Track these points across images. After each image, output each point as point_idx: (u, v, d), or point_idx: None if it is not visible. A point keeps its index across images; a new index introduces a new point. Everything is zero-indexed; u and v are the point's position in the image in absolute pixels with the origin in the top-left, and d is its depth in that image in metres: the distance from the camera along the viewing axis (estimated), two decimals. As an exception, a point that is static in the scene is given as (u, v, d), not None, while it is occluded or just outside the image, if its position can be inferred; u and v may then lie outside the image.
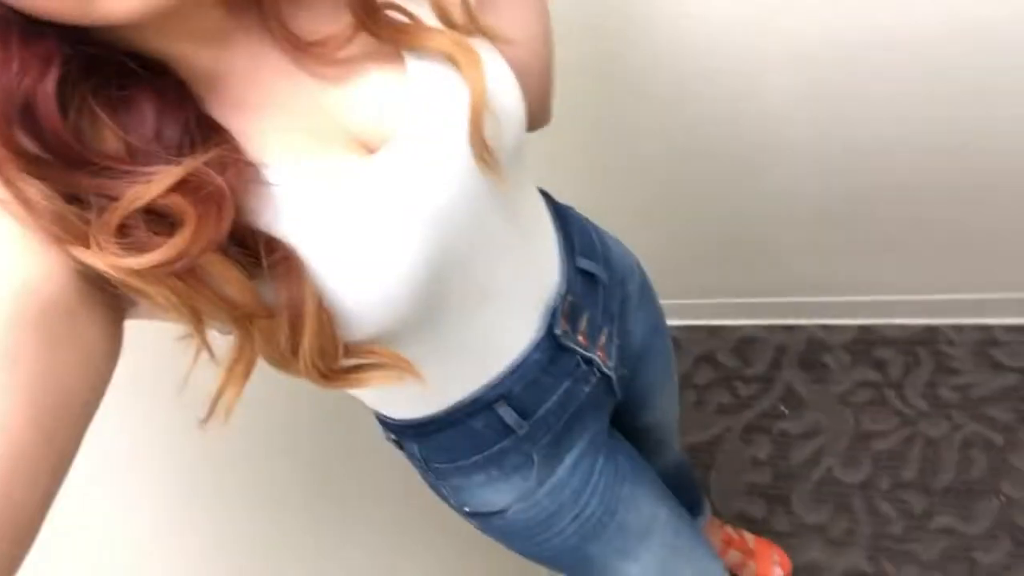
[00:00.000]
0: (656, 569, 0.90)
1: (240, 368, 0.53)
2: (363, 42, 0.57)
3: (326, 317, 0.53)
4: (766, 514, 1.70)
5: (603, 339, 0.82)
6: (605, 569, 0.88)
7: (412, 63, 0.58)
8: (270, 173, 0.51)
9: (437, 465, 0.79)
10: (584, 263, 0.80)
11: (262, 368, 0.56)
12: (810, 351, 1.87)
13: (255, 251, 0.49)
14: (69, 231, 0.44)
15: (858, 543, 1.61)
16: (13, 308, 0.42)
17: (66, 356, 0.45)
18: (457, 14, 0.60)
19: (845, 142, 1.39)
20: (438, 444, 0.76)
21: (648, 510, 0.89)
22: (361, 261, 0.53)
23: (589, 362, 0.80)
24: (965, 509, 1.56)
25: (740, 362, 1.93)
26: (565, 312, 0.76)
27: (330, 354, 0.54)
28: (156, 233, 0.45)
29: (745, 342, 1.95)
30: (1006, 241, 1.52)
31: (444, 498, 0.84)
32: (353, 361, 0.57)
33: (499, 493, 0.79)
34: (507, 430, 0.75)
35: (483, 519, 0.83)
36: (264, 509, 1.01)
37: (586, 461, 0.83)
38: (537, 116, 0.75)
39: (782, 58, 1.26)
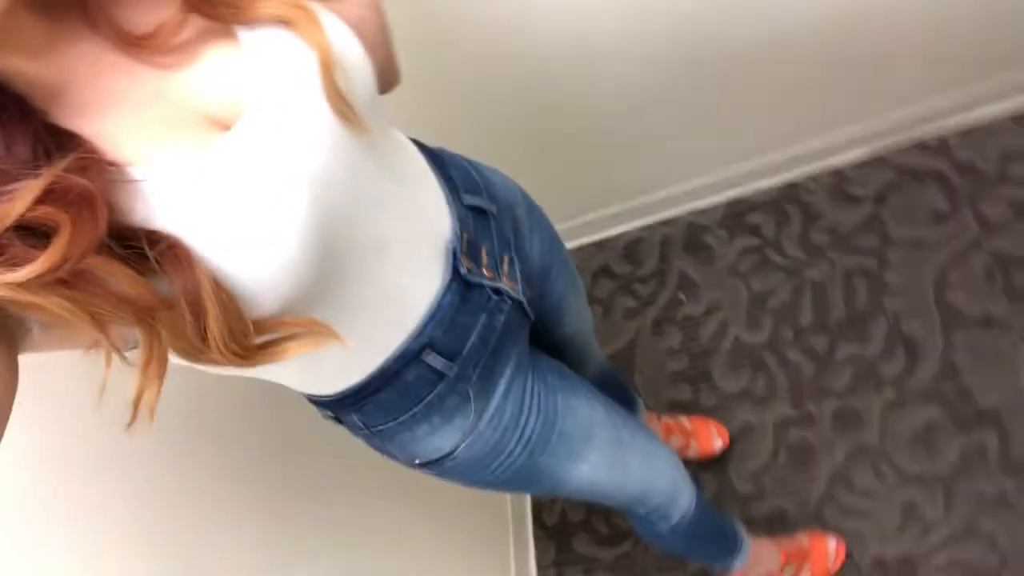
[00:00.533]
0: (605, 463, 0.96)
1: (153, 368, 0.53)
2: (195, 25, 0.57)
3: (227, 298, 0.53)
4: (693, 395, 1.80)
5: (506, 267, 0.85)
6: (558, 475, 0.92)
7: (244, 35, 0.58)
8: (133, 170, 0.51)
9: (380, 428, 0.80)
10: (470, 199, 0.82)
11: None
12: (690, 236, 1.97)
13: (139, 247, 0.49)
14: None
15: (780, 395, 1.72)
16: None
17: None
18: None
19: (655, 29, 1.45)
20: (376, 407, 0.77)
21: (585, 413, 0.94)
22: (246, 235, 0.54)
23: (499, 292, 0.82)
24: (861, 334, 1.70)
25: (632, 265, 2.01)
26: (464, 250, 0.77)
27: (239, 333, 0.54)
28: (33, 247, 0.45)
29: (631, 246, 2.03)
30: (830, 83, 1.63)
31: (393, 457, 0.86)
32: (267, 336, 0.57)
33: (444, 438, 0.81)
34: (438, 376, 0.77)
35: (435, 466, 0.85)
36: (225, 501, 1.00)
37: (516, 384, 0.86)
38: (386, 75, 0.76)
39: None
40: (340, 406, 0.78)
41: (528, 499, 1.88)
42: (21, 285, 0.44)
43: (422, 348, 0.74)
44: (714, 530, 1.32)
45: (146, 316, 0.50)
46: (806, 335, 1.75)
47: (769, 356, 1.77)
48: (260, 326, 0.56)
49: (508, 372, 0.84)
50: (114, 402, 0.53)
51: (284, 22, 0.59)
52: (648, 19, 1.42)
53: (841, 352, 1.70)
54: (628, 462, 1.01)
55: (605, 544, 1.78)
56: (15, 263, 0.44)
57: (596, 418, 0.95)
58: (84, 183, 0.47)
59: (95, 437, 0.84)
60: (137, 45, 0.55)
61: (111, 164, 0.50)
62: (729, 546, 1.37)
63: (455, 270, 0.76)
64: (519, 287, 0.86)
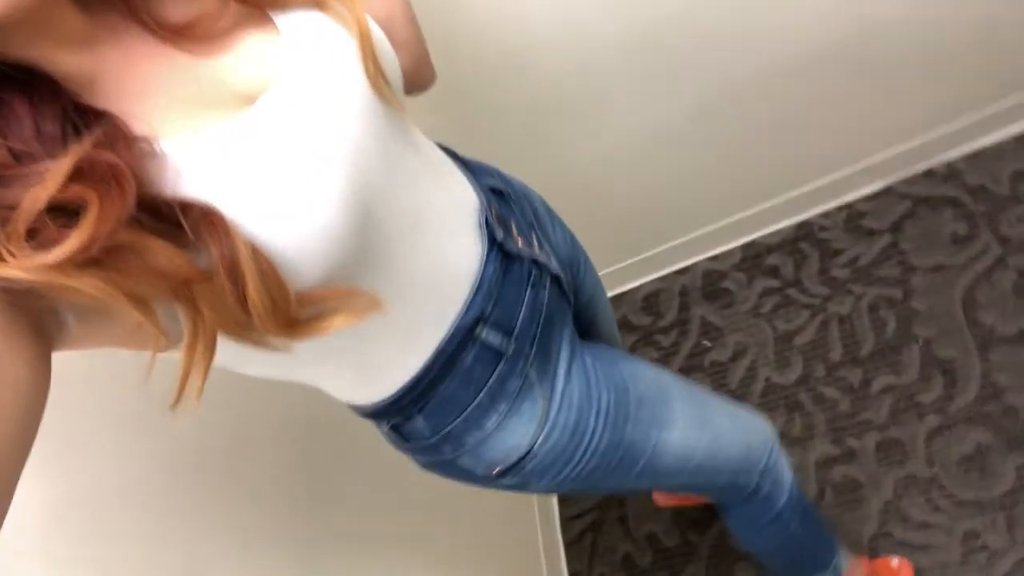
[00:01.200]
0: (694, 423, 0.92)
1: (200, 347, 0.51)
2: (233, 11, 0.58)
3: (266, 264, 0.51)
4: (729, 441, 1.74)
5: (536, 243, 0.84)
6: (649, 449, 0.87)
7: (280, 19, 0.59)
8: (162, 143, 0.51)
9: (448, 429, 0.76)
10: (486, 180, 0.83)
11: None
12: (709, 283, 1.95)
13: (173, 220, 0.49)
14: None
15: (819, 433, 1.67)
16: None
17: None
18: None
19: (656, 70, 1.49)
20: (440, 401, 0.74)
21: (652, 375, 0.92)
22: (283, 200, 0.53)
23: (537, 264, 0.81)
24: (894, 364, 1.66)
25: (652, 316, 1.99)
26: (495, 221, 0.77)
27: (282, 301, 0.52)
28: (65, 227, 0.44)
29: (650, 298, 2.01)
30: (834, 120, 1.66)
31: (468, 475, 0.82)
32: (313, 309, 0.56)
33: (517, 432, 0.78)
34: (496, 355, 0.75)
35: (516, 471, 0.80)
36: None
37: (576, 364, 0.83)
38: (421, 69, 0.77)
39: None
40: (402, 408, 0.75)
41: (564, 566, 1.80)
42: (54, 267, 0.43)
43: (475, 323, 0.72)
44: (818, 522, 1.22)
45: (185, 289, 0.49)
46: (838, 370, 1.71)
47: (803, 395, 1.72)
48: (303, 298, 0.54)
49: (564, 353, 0.82)
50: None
51: (318, 4, 0.60)
52: (651, 55, 1.45)
53: (877, 384, 1.66)
54: (715, 419, 0.96)
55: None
56: (47, 245, 0.43)
57: (665, 378, 0.93)
58: (111, 157, 0.46)
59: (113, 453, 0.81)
60: (177, 34, 0.56)
61: (139, 139, 0.50)
62: (831, 546, 1.26)
63: (491, 238, 0.75)
64: (553, 263, 0.85)
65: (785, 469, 1.09)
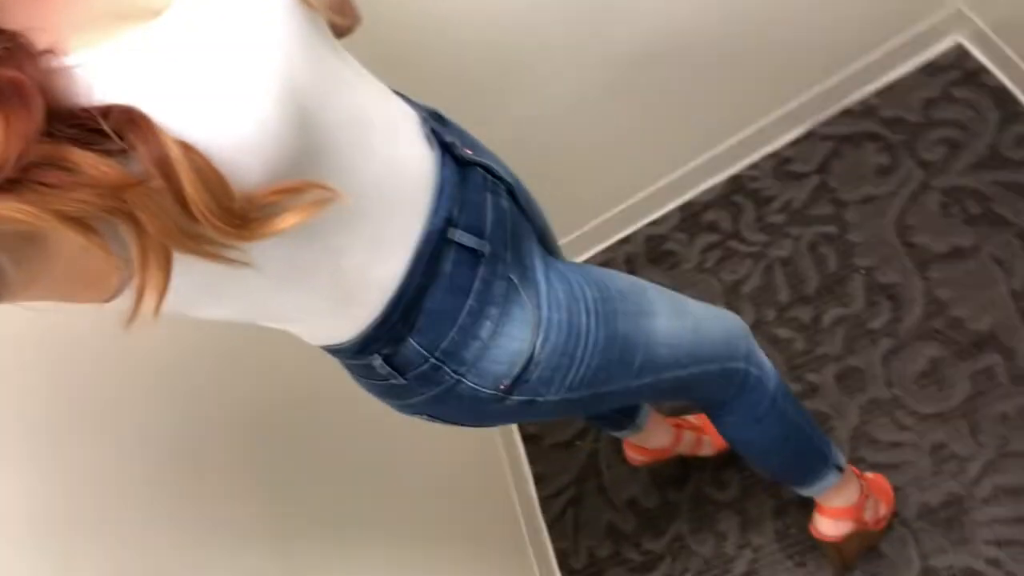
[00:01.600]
0: (673, 313, 0.95)
1: (152, 263, 0.49)
2: None
3: (200, 161, 0.49)
4: (694, 395, 1.75)
5: (481, 156, 0.83)
6: (641, 340, 0.89)
7: None
8: (74, 55, 0.48)
9: (444, 344, 0.74)
10: (417, 101, 0.82)
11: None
12: (652, 247, 1.97)
13: (95, 127, 0.46)
14: None
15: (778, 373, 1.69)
16: None
17: None
18: None
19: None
20: (429, 315, 0.73)
21: (623, 274, 0.95)
22: (211, 96, 0.51)
23: (490, 171, 0.80)
24: (841, 296, 1.70)
25: (601, 288, 1.99)
26: (437, 131, 0.76)
27: (224, 199, 0.50)
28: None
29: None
30: (748, 70, 1.71)
31: (475, 400, 0.79)
32: (264, 210, 0.53)
33: (514, 337, 0.77)
34: (475, 256, 0.74)
35: (524, 383, 0.79)
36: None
37: (552, 269, 0.84)
38: (344, 11, 0.76)
39: None
40: (391, 329, 0.72)
41: (550, 547, 1.77)
42: None
43: (445, 226, 0.71)
44: (808, 418, 1.23)
45: (120, 201, 0.46)
46: (789, 310, 1.74)
47: (759, 338, 1.74)
48: (250, 198, 0.52)
49: (538, 261, 0.83)
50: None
51: None
52: (558, 26, 1.47)
53: (827, 318, 1.69)
54: (689, 306, 1.00)
55: (640, 571, 1.67)
56: None
57: (633, 276, 0.96)
58: (12, 73, 0.44)
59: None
60: None
61: (45, 51, 0.47)
62: (826, 440, 1.26)
63: (441, 144, 0.75)
64: (504, 173, 0.85)
65: (763, 356, 1.13)
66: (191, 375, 0.95)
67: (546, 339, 0.78)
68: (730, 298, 1.81)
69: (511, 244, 0.79)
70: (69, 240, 0.46)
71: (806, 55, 1.71)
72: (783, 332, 1.72)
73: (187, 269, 0.51)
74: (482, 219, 0.76)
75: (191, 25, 0.52)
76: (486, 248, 0.75)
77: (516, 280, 0.78)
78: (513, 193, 0.85)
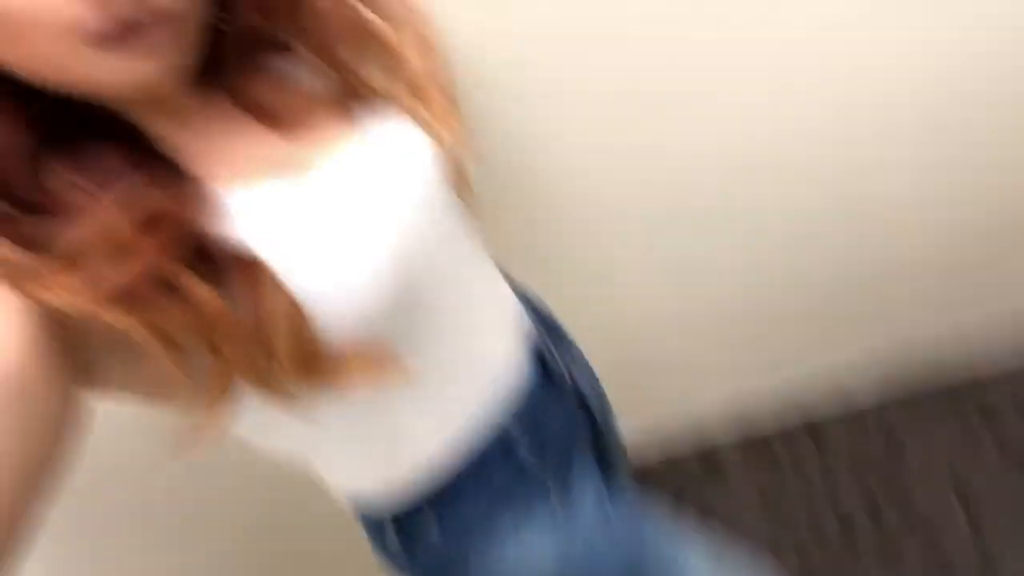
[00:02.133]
0: None
1: (218, 390, 0.52)
2: (322, 104, 0.63)
3: (302, 321, 0.53)
4: None
5: (568, 368, 0.83)
6: None
7: (368, 119, 0.63)
8: (218, 188, 0.54)
9: (461, 538, 0.73)
10: (533, 305, 0.84)
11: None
12: (707, 465, 1.93)
13: (216, 262, 0.51)
14: (26, 276, 0.45)
15: None
16: None
17: (18, 425, 0.43)
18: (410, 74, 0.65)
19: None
20: (457, 502, 0.71)
21: (671, 536, 0.86)
22: (328, 254, 0.55)
23: (572, 383, 0.81)
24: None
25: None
26: (537, 335, 0.78)
27: (310, 347, 0.54)
28: (109, 260, 0.47)
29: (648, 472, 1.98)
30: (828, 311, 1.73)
31: None
32: (336, 361, 0.56)
33: (532, 550, 0.74)
34: (522, 468, 0.73)
35: None
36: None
37: (600, 497, 0.81)
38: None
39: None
40: (420, 501, 0.71)
41: None
42: (94, 298, 0.45)
43: (504, 430, 0.72)
44: None
45: (214, 330, 0.50)
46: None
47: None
48: (329, 349, 0.55)
49: (589, 484, 0.80)
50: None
51: (397, 102, 0.64)
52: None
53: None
54: None
55: None
56: (88, 278, 0.46)
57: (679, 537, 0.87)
58: (163, 197, 0.49)
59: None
60: (263, 112, 0.60)
61: (195, 179, 0.53)
62: None
63: (535, 350, 0.76)
64: (585, 387, 0.84)
65: None
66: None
67: (564, 565, 0.75)
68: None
69: (566, 461, 0.78)
70: (159, 352, 0.49)
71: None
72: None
73: (247, 405, 0.55)
74: (546, 439, 0.75)
75: (335, 184, 0.57)
76: (537, 467, 0.74)
77: (555, 495, 0.76)
78: (588, 406, 0.85)
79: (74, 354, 0.49)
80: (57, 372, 0.46)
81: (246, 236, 0.52)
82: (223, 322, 0.50)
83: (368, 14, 0.63)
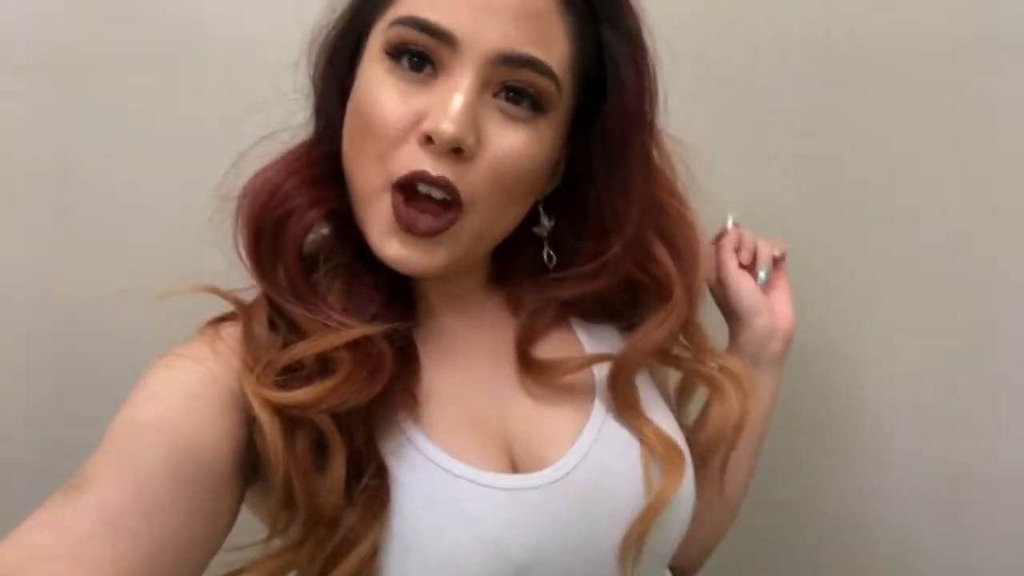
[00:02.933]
0: None
1: (273, 563, 0.50)
2: (582, 377, 0.60)
3: (370, 564, 0.49)
4: None
5: None
6: None
7: (598, 409, 0.59)
8: (421, 415, 0.54)
9: None
10: None
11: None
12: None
13: (361, 469, 0.50)
14: (250, 356, 0.49)
15: None
16: (169, 460, 0.43)
17: (196, 520, 0.44)
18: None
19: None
20: None
21: None
22: (434, 547, 0.50)
23: None
24: None
25: None
26: None
27: None
28: (307, 384, 0.48)
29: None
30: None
31: None
32: None
33: None
34: None
35: None
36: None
37: None
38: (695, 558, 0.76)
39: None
40: None
41: None
42: (273, 404, 0.46)
43: None
44: None
45: (313, 518, 0.48)
46: None
47: None
48: None
49: None
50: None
51: (645, 441, 0.58)
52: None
53: None
54: None
55: None
56: (285, 386, 0.47)
57: None
58: (386, 352, 0.51)
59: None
60: (527, 364, 0.59)
61: (415, 376, 0.54)
62: None
63: None
64: None
65: None
66: None
67: None
68: None
69: None
70: (277, 483, 0.48)
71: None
72: None
73: None
74: None
75: (490, 497, 0.52)
76: None
77: None
78: None
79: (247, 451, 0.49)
80: (237, 478, 0.48)
81: (400, 471, 0.51)
82: (324, 514, 0.49)
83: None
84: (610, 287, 0.59)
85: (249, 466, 0.49)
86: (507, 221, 0.55)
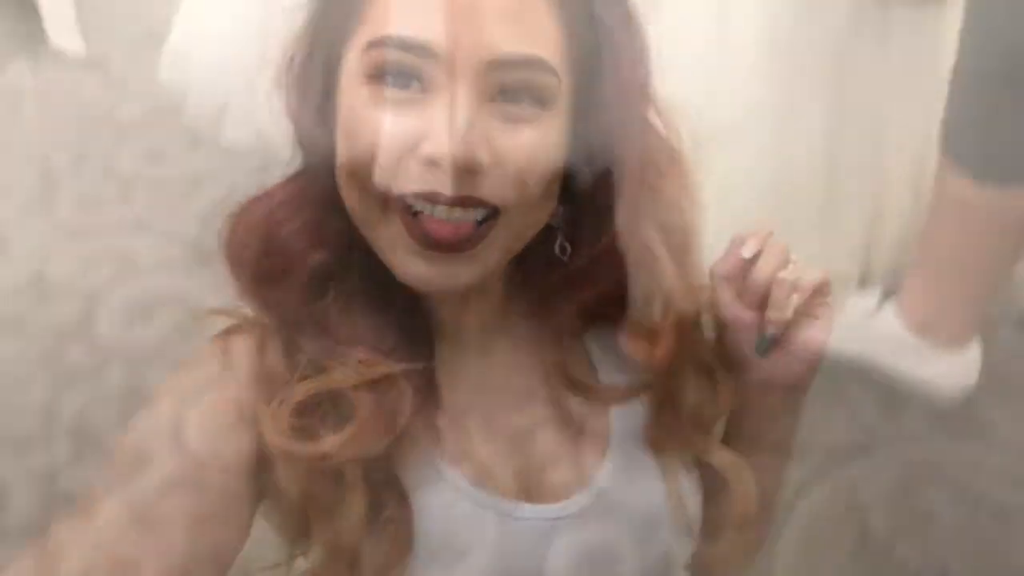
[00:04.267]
0: None
1: None
2: (624, 409, 0.58)
3: None
4: None
5: None
6: None
7: (617, 450, 0.58)
8: (442, 442, 0.52)
9: None
10: None
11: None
12: None
13: (382, 500, 0.49)
14: (265, 389, 0.48)
15: None
16: (184, 473, 0.43)
17: (208, 535, 0.44)
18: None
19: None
20: None
21: None
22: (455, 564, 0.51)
23: None
24: None
25: None
26: None
27: None
28: (323, 424, 0.47)
29: None
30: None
31: None
32: None
33: None
34: None
35: None
36: None
37: None
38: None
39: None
40: None
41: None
42: (286, 451, 0.45)
43: None
44: None
45: (334, 553, 0.48)
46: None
47: None
48: None
49: None
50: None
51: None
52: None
53: None
54: None
55: None
56: (300, 432, 0.46)
57: None
58: (406, 390, 0.48)
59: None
60: (567, 384, 0.57)
61: (436, 409, 0.52)
62: None
63: None
64: None
65: None
66: None
67: None
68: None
69: None
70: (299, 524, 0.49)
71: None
72: None
73: None
74: None
75: (508, 532, 0.52)
76: None
77: None
78: None
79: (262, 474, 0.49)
80: (250, 496, 0.48)
81: (423, 506, 0.50)
82: (343, 549, 0.48)
83: None
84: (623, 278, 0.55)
85: (262, 481, 0.49)
86: (538, 224, 0.52)
